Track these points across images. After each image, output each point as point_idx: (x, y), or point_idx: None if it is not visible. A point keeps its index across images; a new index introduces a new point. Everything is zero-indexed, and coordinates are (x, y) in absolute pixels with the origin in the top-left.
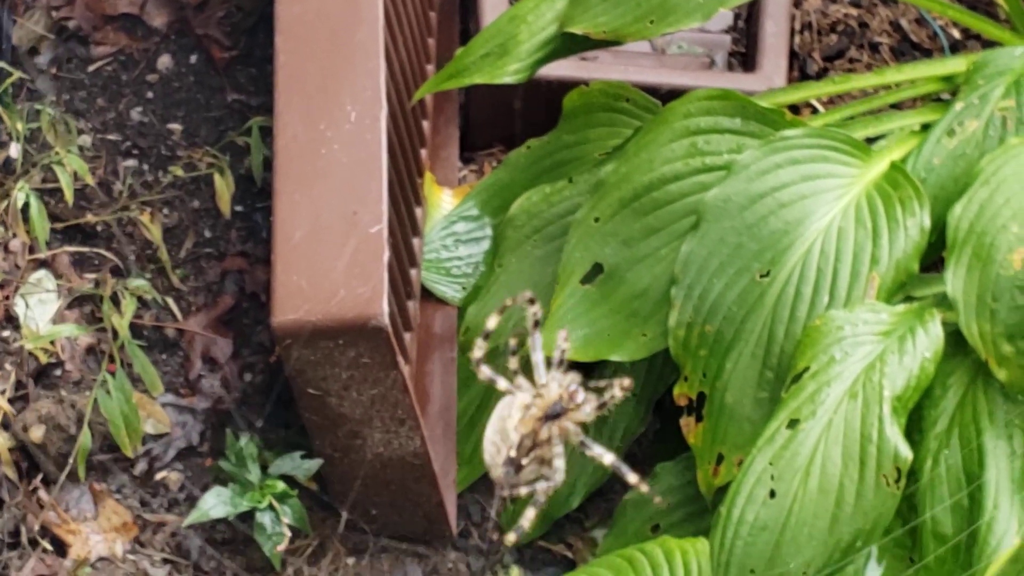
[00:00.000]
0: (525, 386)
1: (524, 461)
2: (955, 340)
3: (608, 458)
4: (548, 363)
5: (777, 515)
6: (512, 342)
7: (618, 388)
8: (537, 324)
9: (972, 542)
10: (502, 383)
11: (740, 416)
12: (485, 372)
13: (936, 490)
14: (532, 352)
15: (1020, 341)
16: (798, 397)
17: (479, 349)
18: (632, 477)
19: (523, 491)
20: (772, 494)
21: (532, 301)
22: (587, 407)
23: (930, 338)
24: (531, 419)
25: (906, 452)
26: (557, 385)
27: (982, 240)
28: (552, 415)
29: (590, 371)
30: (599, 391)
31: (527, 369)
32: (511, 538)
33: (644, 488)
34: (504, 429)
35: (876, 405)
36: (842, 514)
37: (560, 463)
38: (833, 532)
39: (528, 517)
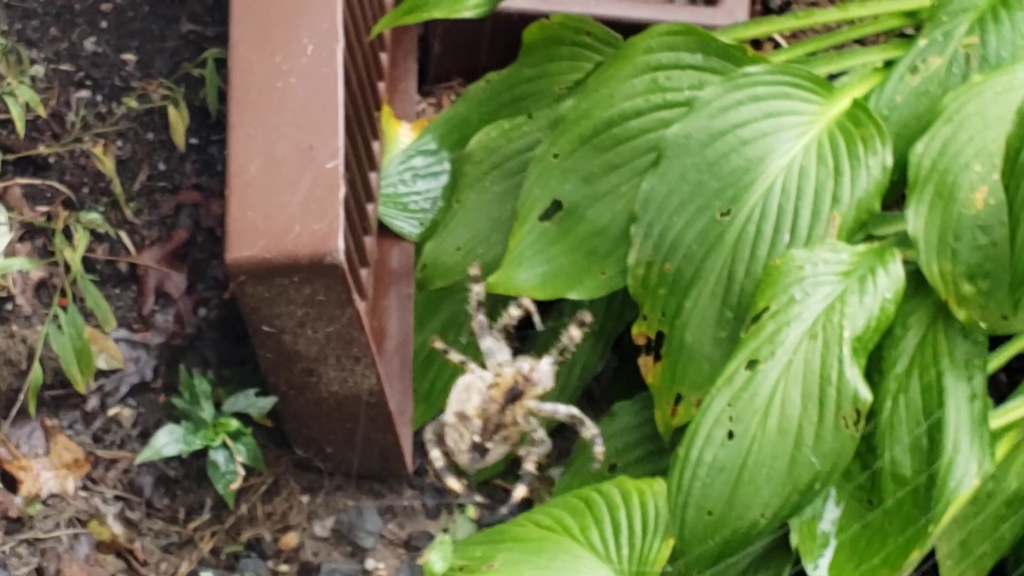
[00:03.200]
0: (478, 370)
1: (489, 445)
2: (916, 280)
3: (562, 411)
4: (497, 339)
5: (735, 456)
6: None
7: (575, 328)
8: (480, 304)
9: (931, 484)
10: (455, 356)
11: (699, 356)
12: (453, 356)
13: (896, 432)
14: (479, 338)
15: (980, 281)
16: (757, 337)
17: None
18: (589, 431)
19: (491, 461)
20: (731, 435)
21: (476, 280)
22: (546, 380)
23: (891, 278)
24: (492, 404)
25: (866, 394)
26: (512, 369)
27: (944, 179)
28: (512, 398)
29: (548, 309)
30: (557, 331)
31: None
32: (504, 511)
33: (598, 449)
34: (464, 414)
35: (836, 346)
36: (801, 456)
37: (541, 434)
38: (792, 474)
39: (519, 494)
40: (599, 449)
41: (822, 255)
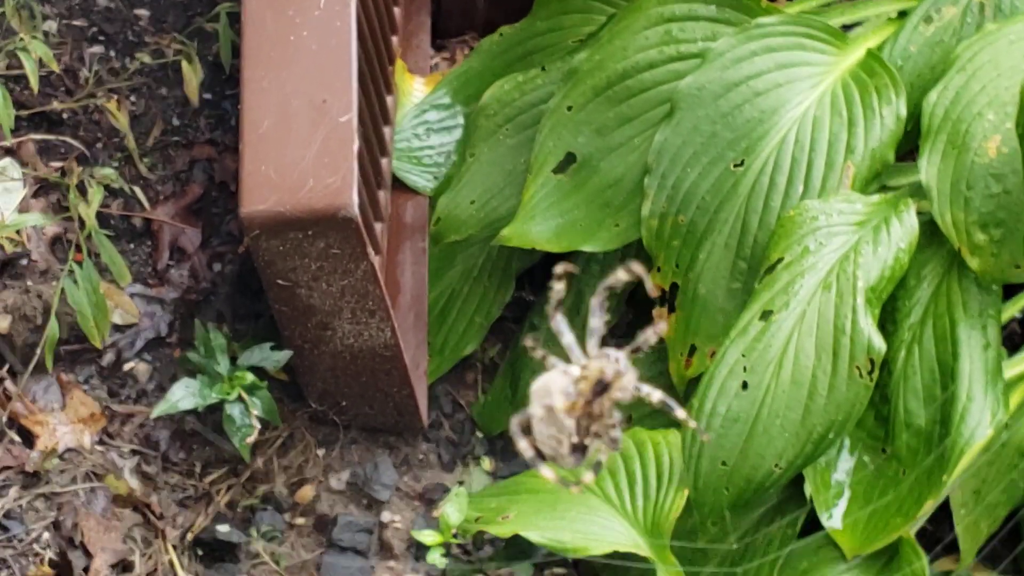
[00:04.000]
0: (561, 365)
1: (587, 441)
2: (930, 230)
3: (656, 396)
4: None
5: (749, 407)
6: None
7: (652, 333)
8: (560, 304)
9: (945, 433)
10: (539, 353)
11: (713, 307)
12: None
13: (909, 382)
14: (560, 336)
15: (993, 229)
16: (771, 288)
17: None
18: (680, 413)
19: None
20: (744, 386)
21: (560, 277)
22: (631, 375)
23: (905, 228)
24: (580, 398)
25: (879, 343)
26: (599, 362)
27: (957, 127)
28: (600, 390)
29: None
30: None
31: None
32: (574, 489)
33: (692, 424)
34: (554, 419)
35: (850, 296)
36: (814, 406)
37: (617, 433)
38: (805, 424)
39: (587, 478)
40: (693, 424)
41: (836, 206)
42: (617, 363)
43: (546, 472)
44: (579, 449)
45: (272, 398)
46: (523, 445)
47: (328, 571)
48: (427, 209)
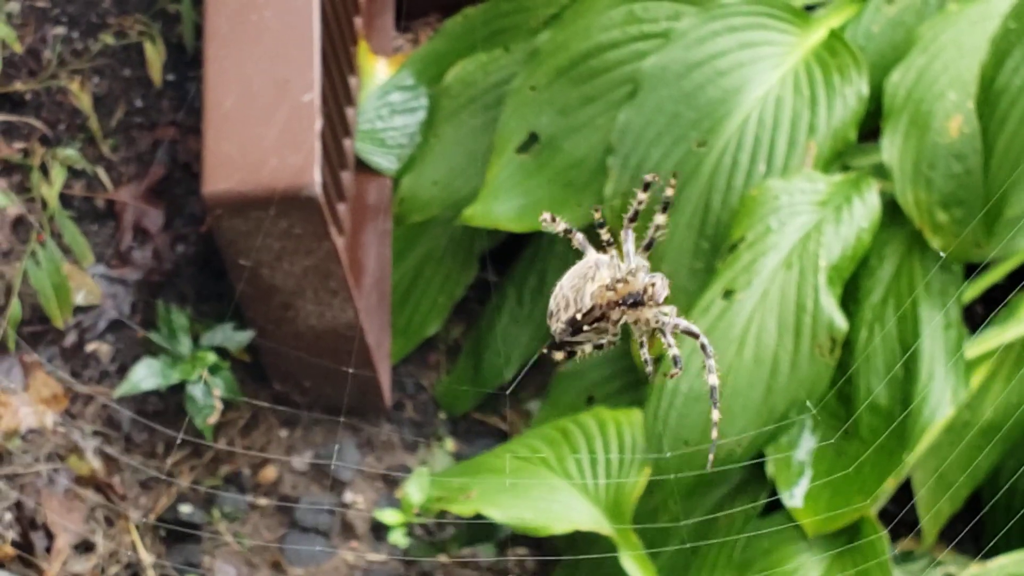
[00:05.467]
0: (617, 259)
1: (585, 328)
2: (892, 210)
3: (683, 324)
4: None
5: None
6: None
7: (661, 215)
8: (636, 216)
9: (906, 412)
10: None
11: (675, 286)
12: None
13: (871, 361)
14: (624, 242)
15: (955, 209)
16: (734, 267)
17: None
18: (703, 339)
19: (574, 341)
20: None
21: (646, 187)
22: (664, 308)
23: (867, 207)
24: (610, 295)
25: (841, 322)
26: (644, 276)
27: (919, 107)
28: (631, 303)
29: (526, 240)
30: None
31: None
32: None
33: (710, 362)
34: (581, 289)
35: (812, 275)
36: (777, 384)
37: (614, 336)
38: (767, 402)
39: (674, 372)
40: (711, 362)
41: (798, 185)
42: (655, 286)
43: (557, 355)
44: (573, 324)
45: (234, 379)
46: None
47: (291, 552)
48: (391, 190)
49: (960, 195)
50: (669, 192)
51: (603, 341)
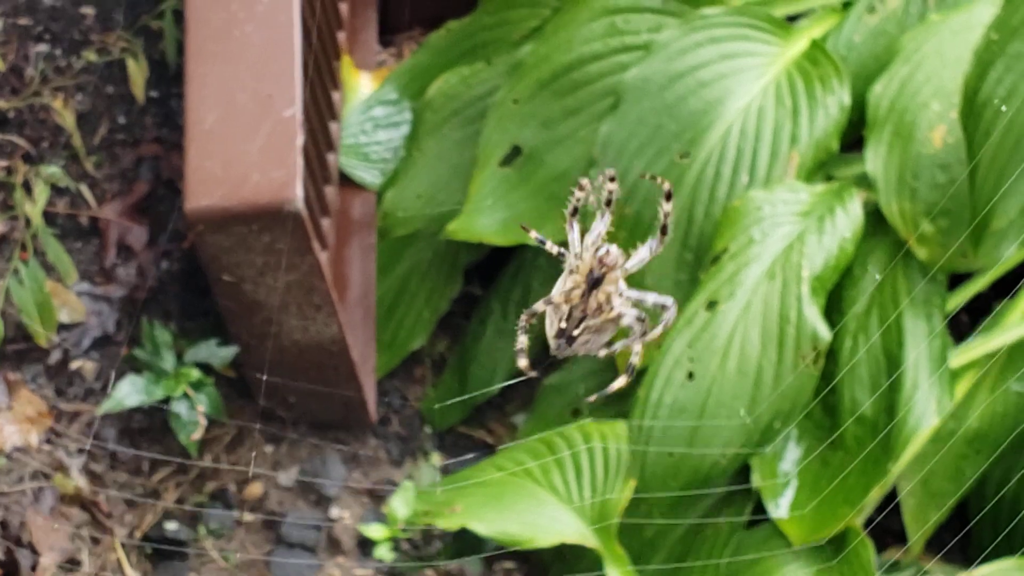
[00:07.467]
0: (569, 257)
1: (575, 332)
2: (875, 220)
3: (650, 299)
4: (583, 236)
5: (696, 397)
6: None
7: (665, 201)
8: (576, 212)
9: (891, 422)
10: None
11: None
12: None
13: (855, 371)
14: (568, 231)
15: (940, 219)
16: (717, 278)
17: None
18: (672, 312)
19: (580, 352)
20: (691, 376)
21: (581, 187)
22: (622, 260)
23: (850, 218)
24: (575, 291)
25: (824, 332)
26: (588, 255)
27: (903, 118)
28: (593, 284)
29: (511, 253)
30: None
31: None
32: (620, 382)
33: (668, 316)
34: (552, 300)
35: (795, 285)
36: (761, 395)
37: (629, 318)
38: (752, 413)
39: (616, 384)
40: (669, 316)
41: (781, 195)
42: (607, 254)
43: (522, 363)
44: (563, 335)
45: (219, 395)
46: (521, 339)
47: (277, 568)
48: (375, 205)
49: (945, 205)
50: (667, 186)
51: (607, 338)
